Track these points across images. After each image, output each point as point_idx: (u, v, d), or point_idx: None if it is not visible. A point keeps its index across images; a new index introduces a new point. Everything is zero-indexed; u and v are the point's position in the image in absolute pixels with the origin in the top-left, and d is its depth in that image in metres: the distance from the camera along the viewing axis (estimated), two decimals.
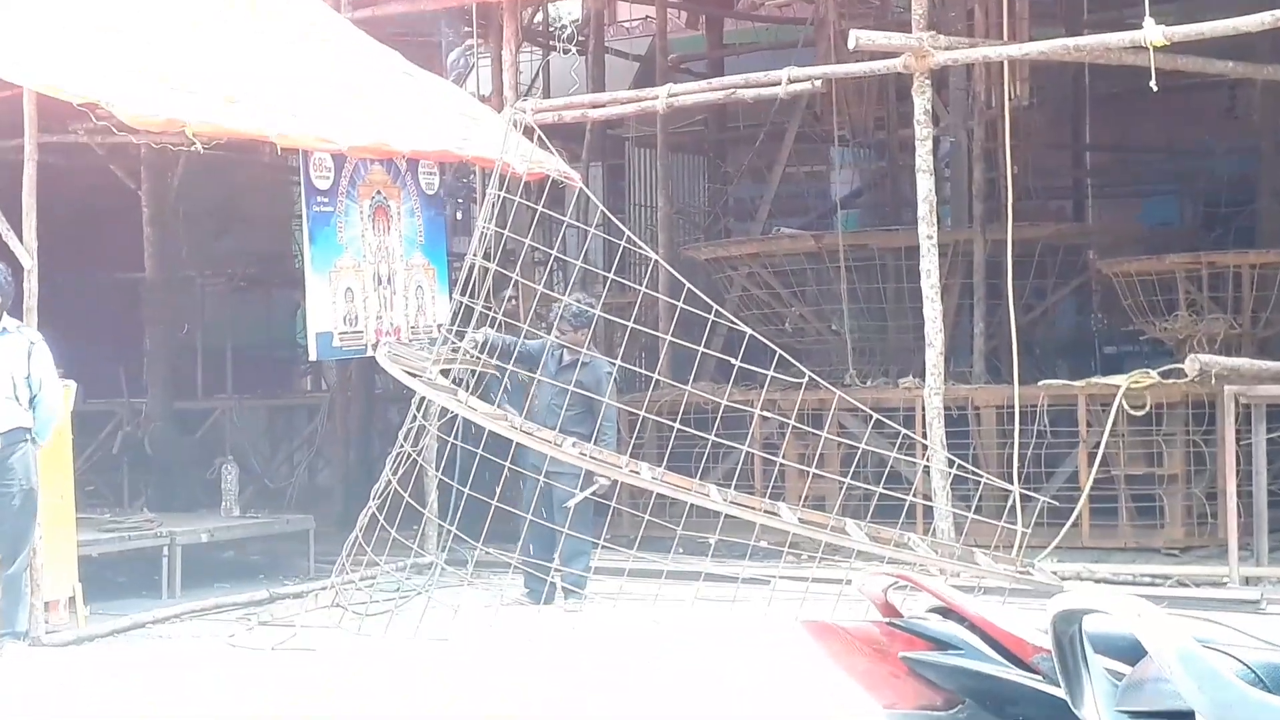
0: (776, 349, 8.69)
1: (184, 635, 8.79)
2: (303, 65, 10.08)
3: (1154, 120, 15.07)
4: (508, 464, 8.42)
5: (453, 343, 9.01)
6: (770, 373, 8.62)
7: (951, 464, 9.33)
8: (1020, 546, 8.81)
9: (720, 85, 10.99)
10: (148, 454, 13.46)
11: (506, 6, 12.05)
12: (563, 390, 8.86)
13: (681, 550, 9.66)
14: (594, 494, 8.99)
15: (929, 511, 9.82)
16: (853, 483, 8.86)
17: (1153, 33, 8.82)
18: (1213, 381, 9.88)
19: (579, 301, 9.26)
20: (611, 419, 9.17)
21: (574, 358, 9.18)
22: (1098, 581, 9.46)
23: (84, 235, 13.17)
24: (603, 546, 8.88)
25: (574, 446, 8.57)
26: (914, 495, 9.38)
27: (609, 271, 9.05)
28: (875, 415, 9.03)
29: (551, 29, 16.48)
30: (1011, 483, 9.20)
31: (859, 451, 9.08)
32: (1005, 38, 10.96)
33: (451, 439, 8.77)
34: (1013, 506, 8.98)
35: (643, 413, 9.08)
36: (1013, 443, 9.81)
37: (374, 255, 9.96)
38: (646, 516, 8.65)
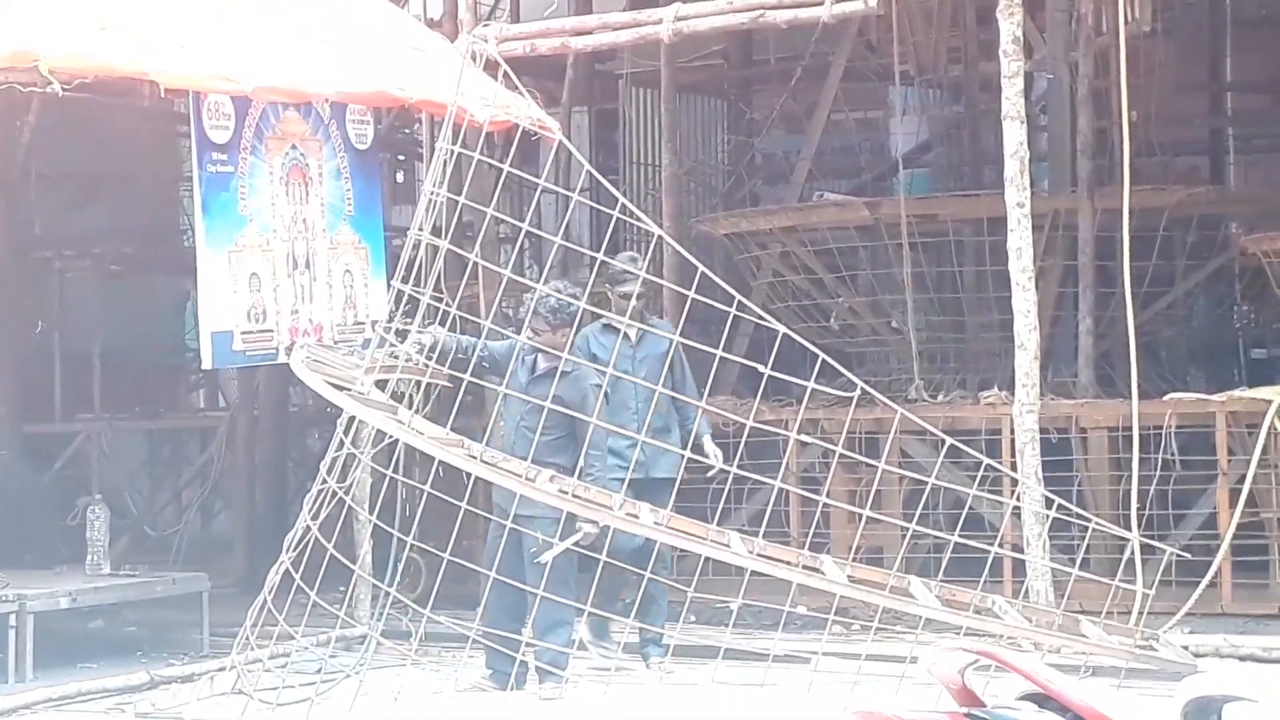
0: (819, 352, 8.68)
1: None
2: None
3: None
4: (464, 504, 8.42)
5: (392, 345, 9.02)
6: (811, 384, 8.62)
7: (1050, 504, 9.32)
8: (1140, 613, 8.81)
9: (744, 5, 10.99)
10: None
11: None
12: (536, 408, 8.86)
13: (694, 619, 9.66)
14: (577, 545, 8.98)
15: (1020, 567, 9.81)
16: (920, 529, 8.86)
17: None
18: None
19: (558, 292, 9.28)
20: (600, 446, 9.17)
21: (551, 365, 9.18)
22: (1242, 659, 9.45)
23: None
24: (589, 614, 8.88)
25: (551, 481, 8.57)
26: (1000, 545, 9.38)
27: (597, 251, 9.05)
28: (949, 440, 9.02)
29: None
30: (1129, 529, 9.19)
31: (927, 488, 9.08)
32: None
33: (390, 472, 8.77)
34: (1130, 560, 8.97)
35: (642, 437, 9.08)
36: (1131, 476, 9.82)
37: (288, 230, 9.97)
38: (648, 575, 8.64)
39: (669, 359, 9.50)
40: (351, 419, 8.90)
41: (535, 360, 9.31)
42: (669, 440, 9.64)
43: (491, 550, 9.11)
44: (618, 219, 9.04)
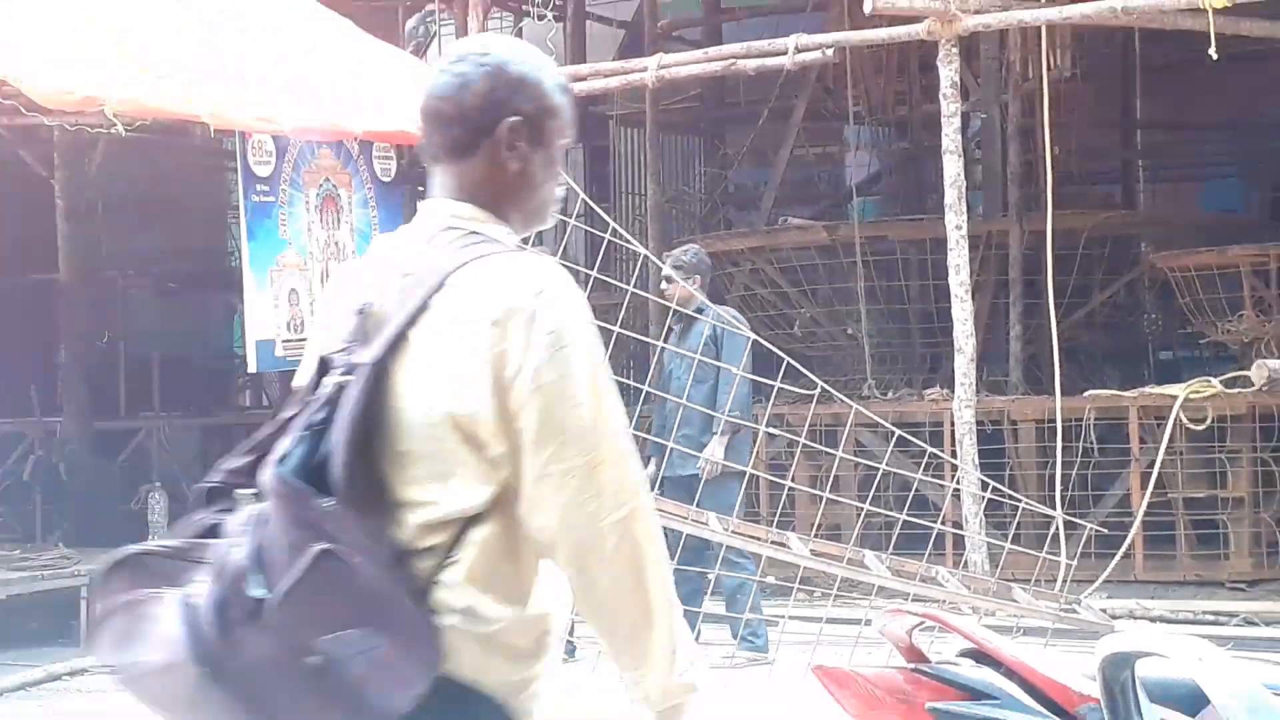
0: (784, 356, 8.68)
1: (106, 689, 8.75)
2: (240, 35, 10.07)
3: (1214, 93, 15.08)
4: None
5: None
6: (777, 383, 8.61)
7: (985, 486, 9.32)
8: (1064, 581, 8.81)
9: (718, 55, 11.00)
10: (63, 481, 13.42)
11: None
12: None
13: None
14: None
15: (960, 541, 9.81)
16: (872, 509, 8.85)
17: None
18: None
19: None
20: None
21: None
22: (1153, 620, 9.46)
23: None
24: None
25: None
26: (942, 522, 9.38)
27: (591, 269, 9.04)
28: (897, 431, 9.03)
29: None
30: (1054, 508, 9.19)
31: (879, 473, 9.08)
32: None
33: None
34: (1055, 535, 8.97)
35: (629, 430, 9.05)
36: (1055, 462, 9.82)
37: (322, 251, 9.96)
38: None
39: (715, 349, 8.68)
40: None
41: None
42: (705, 437, 8.75)
43: None
44: (609, 241, 9.03)
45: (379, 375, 2.55)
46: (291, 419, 2.60)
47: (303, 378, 2.71)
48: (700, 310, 8.96)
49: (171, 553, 2.62)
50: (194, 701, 2.49)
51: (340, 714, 2.45)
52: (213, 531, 2.60)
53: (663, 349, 9.14)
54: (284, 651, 2.43)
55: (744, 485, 8.69)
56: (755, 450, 9.15)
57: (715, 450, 8.69)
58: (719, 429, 8.68)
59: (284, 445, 2.55)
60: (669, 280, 9.01)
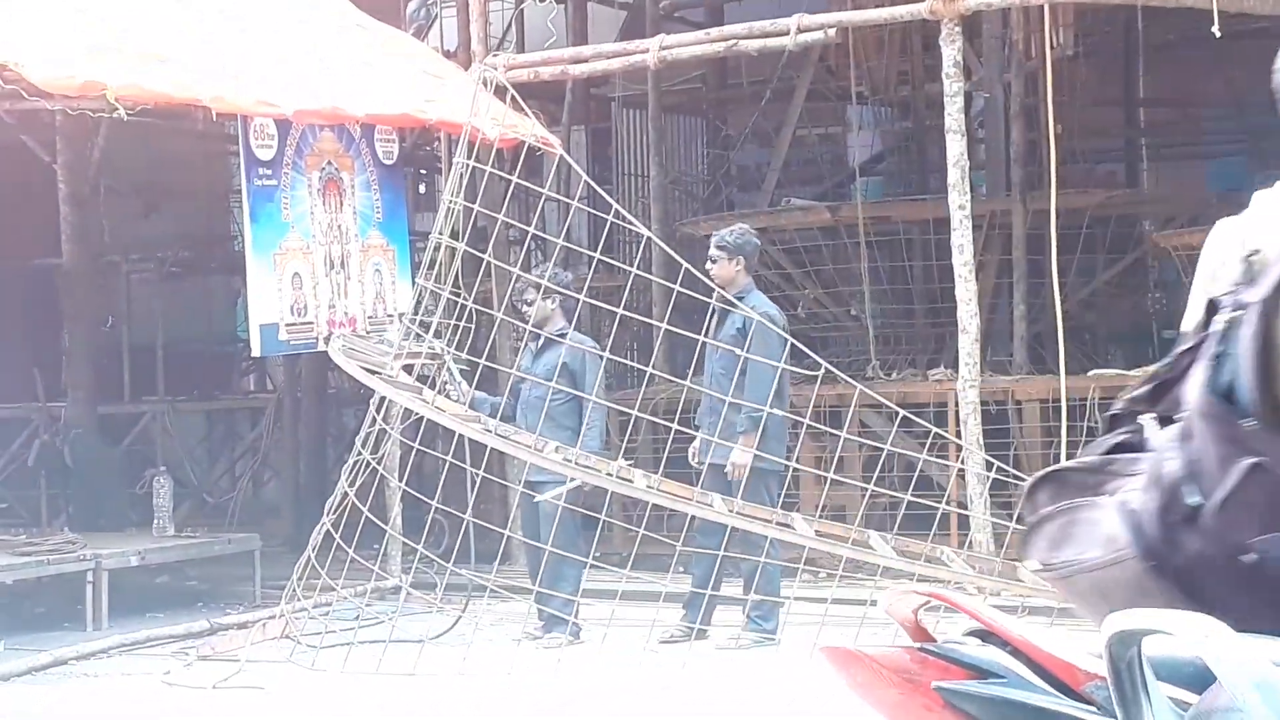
0: (788, 337, 8.67)
1: (112, 673, 8.78)
2: (240, 19, 10.07)
3: (1218, 71, 15.04)
4: (481, 471, 8.41)
5: (416, 334, 9.00)
6: (781, 364, 8.61)
7: (990, 466, 9.33)
8: None
9: (720, 36, 10.98)
10: (68, 466, 13.44)
11: None
12: (543, 378, 8.80)
13: (681, 569, 9.65)
14: (570, 489, 8.74)
15: (964, 521, 9.81)
16: (877, 489, 8.85)
17: None
18: None
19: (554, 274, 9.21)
20: (596, 415, 8.99)
21: (550, 336, 9.08)
22: None
23: None
24: (591, 565, 8.86)
25: (557, 451, 8.54)
26: (947, 503, 9.38)
27: (595, 250, 9.04)
28: (902, 412, 9.02)
29: None
30: None
31: (884, 453, 9.08)
32: None
33: (417, 445, 8.77)
34: None
35: (635, 411, 9.06)
36: (1060, 442, 9.82)
37: (325, 235, 9.96)
38: (641, 531, 8.63)
39: (743, 343, 8.59)
40: (383, 399, 8.90)
41: (539, 341, 9.23)
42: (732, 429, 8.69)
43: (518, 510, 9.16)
44: (612, 223, 9.03)
45: (1269, 311, 2.81)
46: (1183, 355, 2.93)
47: (1190, 323, 3.08)
48: (741, 296, 8.80)
49: (1086, 469, 3.03)
50: (1135, 592, 2.85)
51: (1274, 604, 2.73)
52: (1118, 449, 2.99)
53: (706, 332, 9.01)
54: (1220, 550, 2.75)
55: (784, 483, 8.70)
56: (793, 446, 9.02)
57: (739, 454, 8.58)
58: (740, 428, 8.60)
59: (1199, 373, 2.87)
60: (713, 261, 8.92)
